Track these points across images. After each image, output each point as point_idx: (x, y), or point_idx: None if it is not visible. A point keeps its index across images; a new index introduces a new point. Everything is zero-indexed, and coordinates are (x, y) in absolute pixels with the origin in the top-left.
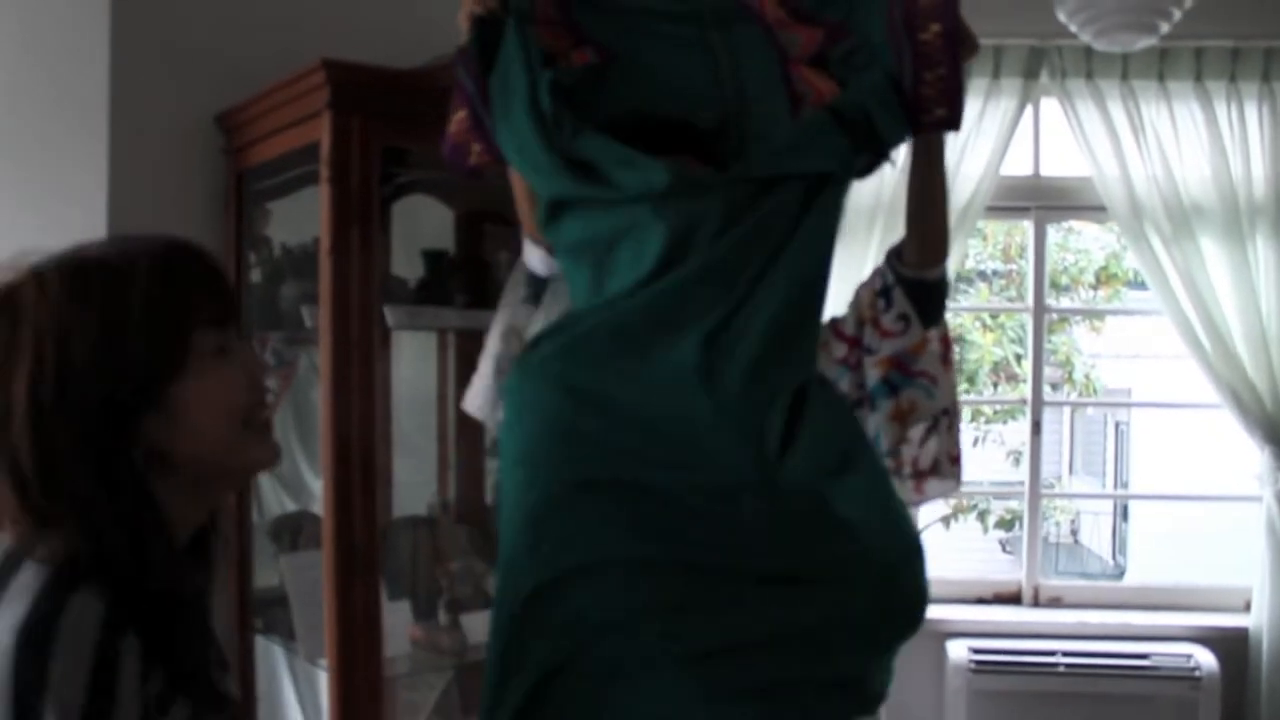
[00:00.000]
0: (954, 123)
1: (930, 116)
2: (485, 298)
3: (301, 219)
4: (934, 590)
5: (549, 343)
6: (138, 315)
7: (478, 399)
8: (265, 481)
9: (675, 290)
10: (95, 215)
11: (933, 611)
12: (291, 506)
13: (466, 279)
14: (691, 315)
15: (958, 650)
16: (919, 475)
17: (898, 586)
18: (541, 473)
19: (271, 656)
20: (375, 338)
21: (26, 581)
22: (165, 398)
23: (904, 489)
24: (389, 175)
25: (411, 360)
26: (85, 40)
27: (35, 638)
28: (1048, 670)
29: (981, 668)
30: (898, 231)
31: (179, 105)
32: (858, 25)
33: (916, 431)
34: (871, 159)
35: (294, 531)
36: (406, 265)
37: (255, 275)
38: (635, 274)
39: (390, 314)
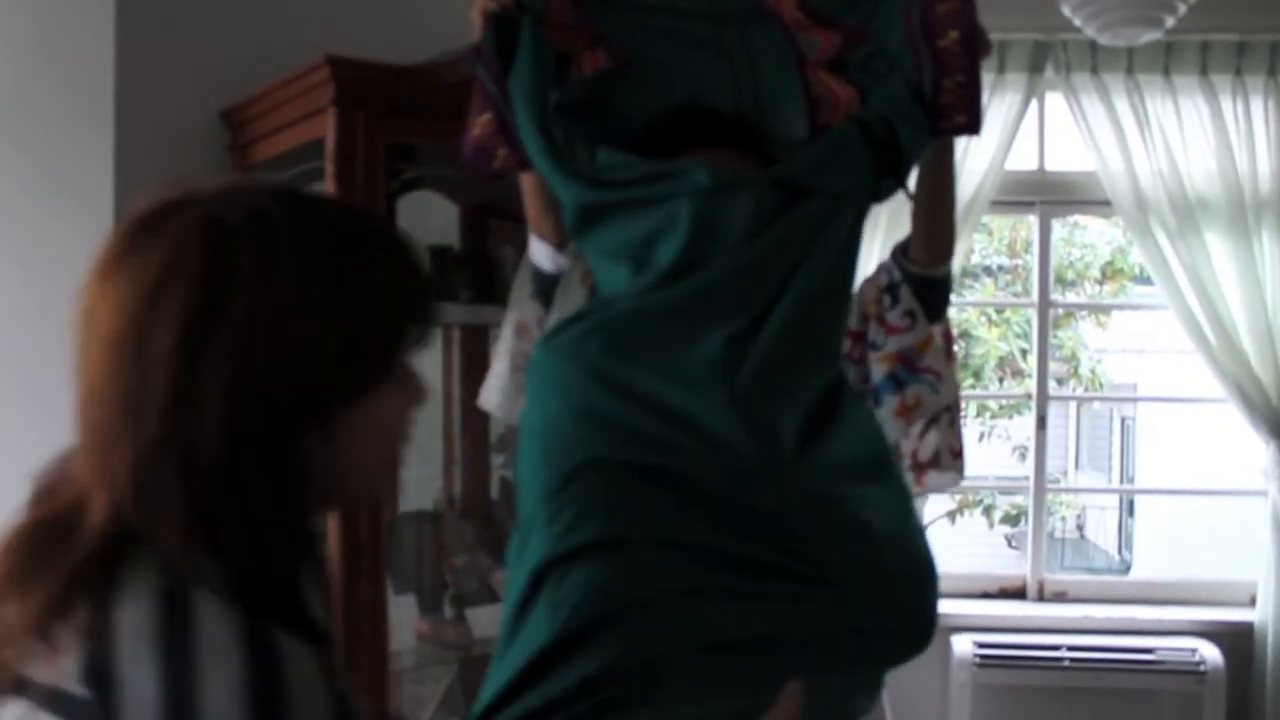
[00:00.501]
0: (974, 128)
1: (949, 123)
2: (490, 293)
3: None
4: (938, 585)
5: (576, 325)
6: (365, 317)
7: (494, 395)
8: None
9: (703, 291)
10: (101, 211)
11: (938, 606)
12: None
13: (471, 274)
14: (717, 316)
15: (963, 644)
16: (919, 467)
17: (907, 600)
18: (560, 449)
19: None
20: None
21: (218, 628)
22: (339, 418)
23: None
24: (394, 171)
25: (416, 355)
26: (91, 37)
27: (269, 703)
28: (1053, 665)
29: (986, 662)
30: (902, 227)
31: (184, 102)
32: (877, 30)
33: (916, 425)
34: (892, 184)
35: None
36: None
37: None
38: (662, 266)
39: None
